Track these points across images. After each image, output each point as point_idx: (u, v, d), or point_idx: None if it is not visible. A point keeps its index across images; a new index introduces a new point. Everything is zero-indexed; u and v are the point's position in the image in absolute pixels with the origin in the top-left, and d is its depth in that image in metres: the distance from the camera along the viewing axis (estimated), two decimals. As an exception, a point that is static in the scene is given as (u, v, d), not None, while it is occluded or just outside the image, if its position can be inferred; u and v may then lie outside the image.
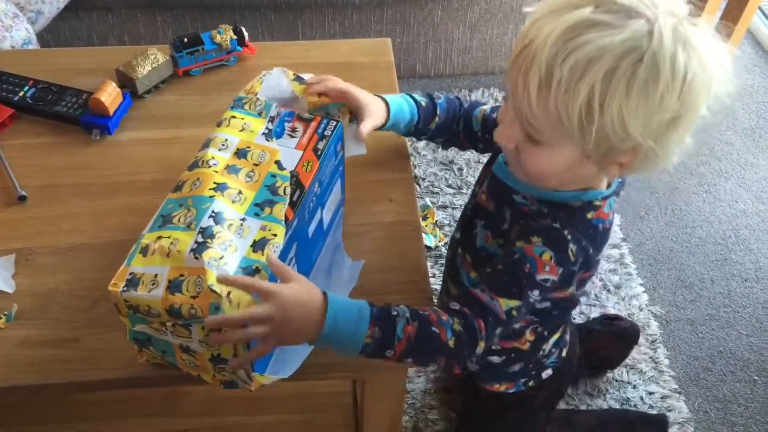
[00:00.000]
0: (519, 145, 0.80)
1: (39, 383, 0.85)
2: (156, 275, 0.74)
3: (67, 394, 0.89)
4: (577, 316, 1.59)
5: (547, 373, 1.11)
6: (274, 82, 0.96)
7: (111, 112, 1.11)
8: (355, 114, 0.99)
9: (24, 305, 0.91)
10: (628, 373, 1.51)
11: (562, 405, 1.43)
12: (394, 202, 1.05)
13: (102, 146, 1.11)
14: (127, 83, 1.17)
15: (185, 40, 1.20)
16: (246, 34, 1.24)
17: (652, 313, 1.64)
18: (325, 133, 0.90)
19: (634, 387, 1.49)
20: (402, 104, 1.01)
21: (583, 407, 1.45)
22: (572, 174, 0.81)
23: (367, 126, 0.97)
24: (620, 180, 0.89)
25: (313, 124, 0.90)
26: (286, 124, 0.90)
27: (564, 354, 1.12)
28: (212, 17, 1.95)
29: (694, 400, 1.50)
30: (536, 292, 0.82)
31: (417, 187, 1.84)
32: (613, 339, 1.49)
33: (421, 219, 1.68)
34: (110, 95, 1.11)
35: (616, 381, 1.50)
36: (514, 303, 0.82)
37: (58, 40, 1.95)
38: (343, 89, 0.98)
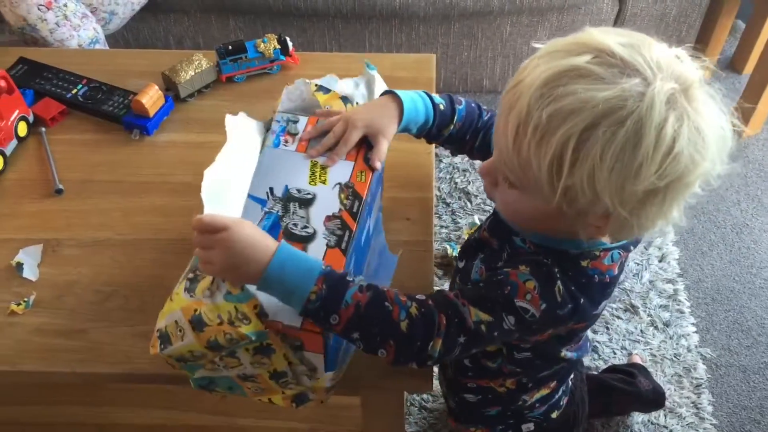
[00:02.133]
0: (498, 183, 0.77)
1: (44, 370, 0.90)
2: (176, 322, 0.76)
3: (71, 381, 0.93)
4: (610, 358, 1.53)
5: (527, 427, 1.05)
6: (295, 93, 0.97)
7: (151, 114, 1.15)
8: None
9: (43, 294, 0.96)
10: (666, 416, 1.43)
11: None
12: (411, 221, 1.04)
13: (140, 146, 1.16)
14: (171, 86, 1.21)
15: (230, 47, 1.23)
16: (291, 44, 1.26)
17: (701, 354, 1.55)
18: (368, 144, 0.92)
19: (671, 432, 1.41)
20: (417, 104, 0.93)
21: (611, 447, 1.39)
22: (547, 224, 0.77)
23: (381, 154, 0.91)
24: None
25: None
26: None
27: (554, 415, 1.05)
28: (282, 24, 1.99)
29: (736, 453, 1.41)
30: (512, 319, 0.76)
31: (468, 203, 1.81)
32: (638, 405, 1.40)
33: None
34: (151, 98, 1.15)
35: (652, 423, 1.42)
36: (485, 317, 0.75)
37: (138, 40, 2.04)
38: (353, 140, 0.91)
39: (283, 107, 0.96)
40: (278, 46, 1.25)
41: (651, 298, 1.63)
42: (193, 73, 1.20)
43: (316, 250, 0.81)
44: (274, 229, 0.81)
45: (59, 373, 0.90)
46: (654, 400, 1.38)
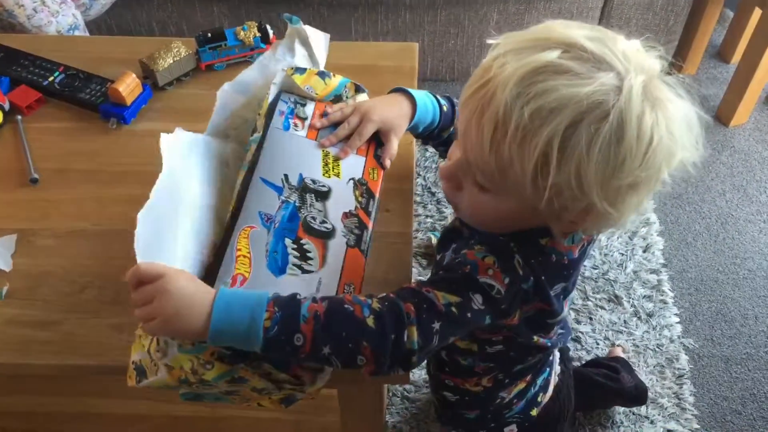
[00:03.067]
0: (464, 187, 0.76)
1: (19, 362, 0.88)
2: (150, 355, 0.74)
3: (46, 373, 0.92)
4: (592, 348, 1.53)
5: (510, 429, 1.05)
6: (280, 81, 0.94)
7: (128, 102, 1.14)
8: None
9: (17, 285, 0.94)
10: (647, 407, 1.44)
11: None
12: (391, 212, 1.03)
13: (117, 135, 1.14)
14: (149, 75, 1.19)
15: (209, 35, 1.21)
16: (271, 32, 1.24)
17: (684, 345, 1.55)
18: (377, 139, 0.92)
19: (652, 422, 1.42)
20: (428, 104, 0.94)
21: (593, 438, 1.39)
22: (517, 224, 0.77)
23: (393, 153, 0.91)
24: None
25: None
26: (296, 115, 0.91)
27: (534, 413, 1.05)
28: (266, 10, 1.97)
29: (717, 443, 1.42)
30: (479, 297, 0.74)
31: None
32: (620, 400, 1.40)
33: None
34: (128, 86, 1.13)
35: (633, 414, 1.43)
36: (453, 298, 0.73)
37: (120, 26, 2.02)
38: (367, 133, 0.91)
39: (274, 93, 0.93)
40: (258, 34, 1.23)
41: (635, 289, 1.63)
42: (171, 61, 1.19)
43: (337, 249, 0.79)
44: (293, 220, 0.80)
45: (34, 365, 0.88)
46: (636, 396, 1.39)
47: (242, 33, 1.22)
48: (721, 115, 2.07)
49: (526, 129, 0.64)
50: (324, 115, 0.94)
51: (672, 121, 0.66)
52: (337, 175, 0.86)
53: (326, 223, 0.81)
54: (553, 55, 0.64)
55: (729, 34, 2.23)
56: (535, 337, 0.89)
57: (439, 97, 0.96)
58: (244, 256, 0.76)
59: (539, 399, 1.06)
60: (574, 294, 1.59)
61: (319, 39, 0.99)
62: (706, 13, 2.05)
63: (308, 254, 0.78)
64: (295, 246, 0.79)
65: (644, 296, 1.62)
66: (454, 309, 0.73)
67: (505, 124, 0.65)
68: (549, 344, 0.93)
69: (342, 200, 0.84)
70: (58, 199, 1.05)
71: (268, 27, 1.24)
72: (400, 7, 1.95)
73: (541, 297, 0.79)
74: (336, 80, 0.99)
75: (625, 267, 1.67)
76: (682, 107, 0.68)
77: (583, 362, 1.48)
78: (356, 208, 0.83)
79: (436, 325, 0.72)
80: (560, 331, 0.96)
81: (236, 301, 0.69)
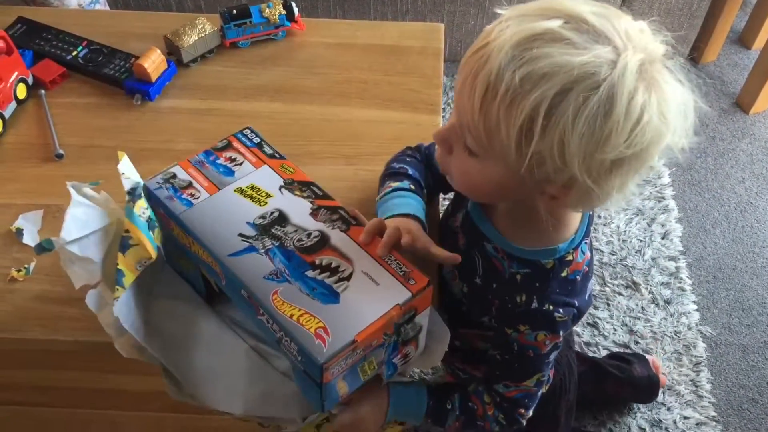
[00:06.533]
0: (454, 151, 0.75)
1: (46, 338, 0.89)
2: None
3: (73, 349, 0.92)
4: (610, 334, 1.53)
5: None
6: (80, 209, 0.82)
7: (153, 79, 1.13)
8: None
9: (44, 261, 0.94)
10: (664, 393, 1.44)
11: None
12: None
13: (142, 111, 1.13)
14: (173, 51, 1.18)
15: (234, 12, 1.20)
16: (296, 9, 1.23)
17: (701, 333, 1.55)
18: (254, 139, 0.89)
19: (669, 409, 1.42)
20: (416, 207, 0.89)
21: (610, 424, 1.40)
22: (503, 195, 0.77)
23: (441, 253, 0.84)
24: (588, 220, 0.84)
25: (236, 142, 0.89)
26: (218, 161, 0.86)
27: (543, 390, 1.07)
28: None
29: (733, 431, 1.42)
30: (552, 355, 0.87)
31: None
32: (630, 389, 1.41)
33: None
34: (153, 62, 1.13)
35: (650, 400, 1.43)
36: (537, 375, 0.88)
37: (138, 1, 2.00)
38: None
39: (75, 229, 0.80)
40: (284, 12, 1.22)
41: (653, 275, 1.63)
42: (196, 38, 1.18)
43: (342, 242, 0.78)
44: (291, 257, 0.77)
45: (61, 341, 0.89)
46: (647, 387, 1.39)
47: (267, 10, 1.21)
48: (741, 102, 2.05)
49: (516, 92, 0.64)
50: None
51: (666, 103, 0.65)
52: (268, 195, 0.83)
53: (310, 233, 0.79)
54: (553, 24, 0.64)
55: (751, 20, 2.20)
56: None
57: (401, 183, 0.92)
58: (302, 315, 0.73)
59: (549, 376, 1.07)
60: (593, 279, 1.59)
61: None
62: (729, -2, 2.02)
63: (332, 266, 0.77)
64: (318, 270, 0.76)
65: (662, 283, 1.62)
66: (543, 378, 0.89)
67: (495, 86, 0.65)
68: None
69: (297, 209, 0.81)
70: (83, 175, 1.04)
71: (293, 4, 1.23)
72: (420, -13, 1.93)
73: (583, 311, 0.87)
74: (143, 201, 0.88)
75: (644, 253, 1.66)
76: (679, 92, 0.67)
77: (600, 349, 1.48)
78: (312, 202, 0.82)
79: (538, 396, 0.92)
80: None
81: (401, 410, 0.89)
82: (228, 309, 0.87)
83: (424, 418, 0.90)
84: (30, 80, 1.14)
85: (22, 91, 1.12)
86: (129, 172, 0.84)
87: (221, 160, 0.87)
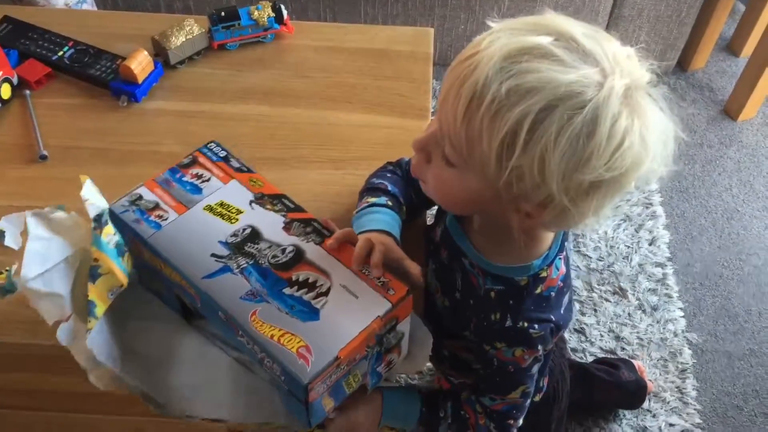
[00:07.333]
0: (432, 159, 0.75)
1: (26, 342, 0.88)
2: None
3: (54, 353, 0.91)
4: (596, 340, 1.53)
5: None
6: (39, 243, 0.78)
7: (140, 80, 1.12)
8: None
9: (26, 264, 0.93)
10: (650, 400, 1.44)
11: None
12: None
13: (127, 113, 1.12)
14: (160, 52, 1.17)
15: (222, 13, 1.19)
16: (285, 12, 1.22)
17: (687, 340, 1.55)
18: (220, 153, 0.87)
19: (654, 416, 1.42)
20: (391, 223, 0.88)
21: (596, 431, 1.40)
22: (478, 207, 0.77)
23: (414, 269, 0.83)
24: (562, 237, 0.84)
25: (202, 158, 0.87)
26: (184, 178, 0.85)
27: (537, 399, 1.05)
28: (276, -11, 1.94)
29: (718, 439, 1.43)
30: (534, 368, 0.87)
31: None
32: (618, 394, 1.41)
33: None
34: (140, 63, 1.12)
35: (636, 407, 1.43)
36: (522, 388, 0.88)
37: (126, 1, 1.98)
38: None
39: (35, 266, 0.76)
40: (272, 14, 1.21)
41: (640, 282, 1.63)
42: (184, 39, 1.17)
43: (317, 256, 0.77)
44: (266, 276, 0.76)
45: (41, 345, 0.87)
46: (635, 392, 1.39)
47: (256, 12, 1.20)
48: (729, 109, 2.06)
49: (501, 104, 0.63)
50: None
51: (648, 130, 0.66)
52: (239, 212, 0.81)
53: (286, 249, 0.78)
54: (543, 40, 0.64)
55: (740, 27, 2.22)
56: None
57: (377, 199, 0.91)
58: (282, 335, 0.72)
59: (542, 384, 1.06)
60: (579, 285, 1.59)
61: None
62: (718, 5, 2.03)
63: (309, 281, 0.76)
64: (295, 287, 0.75)
65: (649, 289, 1.62)
66: (527, 390, 0.89)
67: (481, 96, 0.64)
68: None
69: (269, 223, 0.80)
70: (67, 177, 1.03)
71: (282, 6, 1.22)
72: (410, -10, 1.93)
73: (563, 324, 0.87)
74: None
75: (631, 260, 1.67)
76: (661, 120, 0.67)
77: (587, 355, 1.48)
78: (284, 216, 0.81)
79: (525, 407, 0.92)
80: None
81: (391, 414, 0.90)
82: (207, 324, 0.86)
83: (416, 424, 0.90)
84: (15, 80, 1.13)
85: (6, 91, 1.11)
86: (93, 198, 0.79)
87: (188, 177, 0.85)
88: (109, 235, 0.78)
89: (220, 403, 0.83)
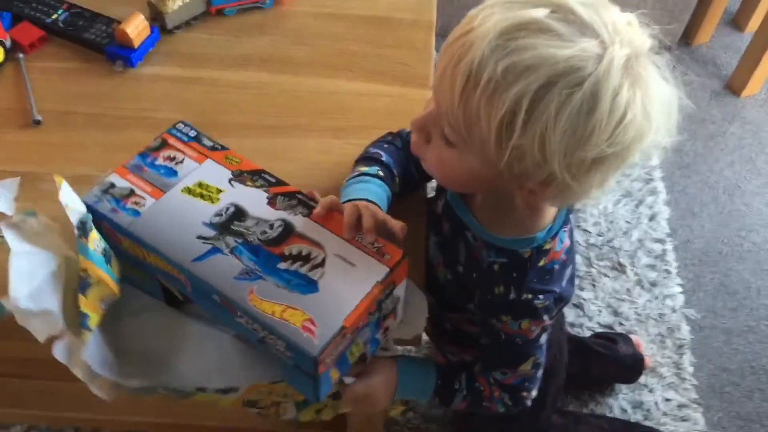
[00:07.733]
0: (432, 138, 0.73)
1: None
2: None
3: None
4: (594, 315, 1.53)
5: None
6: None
7: (136, 45, 1.09)
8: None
9: (20, 229, 0.92)
10: (646, 375, 1.44)
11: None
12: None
13: (123, 78, 1.10)
14: (157, 17, 1.15)
15: (220, -23, 1.16)
16: (285, -23, 1.20)
17: (685, 315, 1.55)
18: (190, 133, 0.85)
19: (651, 391, 1.42)
20: (378, 192, 0.85)
21: (592, 405, 1.40)
22: (480, 186, 0.76)
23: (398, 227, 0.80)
24: (566, 209, 0.83)
25: (172, 139, 0.85)
26: (156, 162, 0.82)
27: None
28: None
29: (714, 414, 1.42)
30: (543, 338, 0.87)
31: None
32: (615, 368, 1.40)
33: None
34: (136, 27, 1.09)
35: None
36: (532, 359, 0.88)
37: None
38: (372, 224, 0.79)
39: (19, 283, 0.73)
40: (272, -21, 1.18)
41: (639, 257, 1.62)
42: (181, 3, 1.14)
43: (307, 227, 0.75)
44: (257, 252, 0.74)
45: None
46: (632, 366, 1.39)
47: (255, -23, 1.17)
48: (732, 85, 2.04)
49: (498, 83, 0.62)
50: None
51: (650, 101, 0.64)
52: (219, 191, 0.79)
53: (274, 224, 0.76)
54: (539, 13, 0.62)
55: (745, 2, 2.18)
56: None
57: (368, 169, 0.88)
58: (284, 310, 0.70)
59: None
60: (578, 260, 1.58)
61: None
62: (725, -22, 2.00)
63: (303, 254, 0.74)
64: (290, 260, 0.74)
65: (648, 265, 1.61)
66: (538, 361, 0.90)
67: (477, 75, 0.62)
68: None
69: (252, 200, 0.78)
70: (61, 142, 1.02)
71: (282, -29, 1.19)
72: (413, -42, 1.89)
73: (568, 296, 0.88)
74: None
75: (630, 235, 1.66)
76: (664, 90, 0.65)
77: (585, 329, 1.48)
78: (267, 191, 0.79)
79: (538, 377, 0.92)
80: None
81: (408, 387, 0.90)
82: (198, 309, 0.83)
83: (431, 395, 0.90)
84: (8, 43, 1.10)
85: (-1, 55, 1.08)
86: (72, 203, 0.74)
87: (160, 161, 0.82)
88: (95, 241, 0.75)
89: (230, 377, 0.82)
